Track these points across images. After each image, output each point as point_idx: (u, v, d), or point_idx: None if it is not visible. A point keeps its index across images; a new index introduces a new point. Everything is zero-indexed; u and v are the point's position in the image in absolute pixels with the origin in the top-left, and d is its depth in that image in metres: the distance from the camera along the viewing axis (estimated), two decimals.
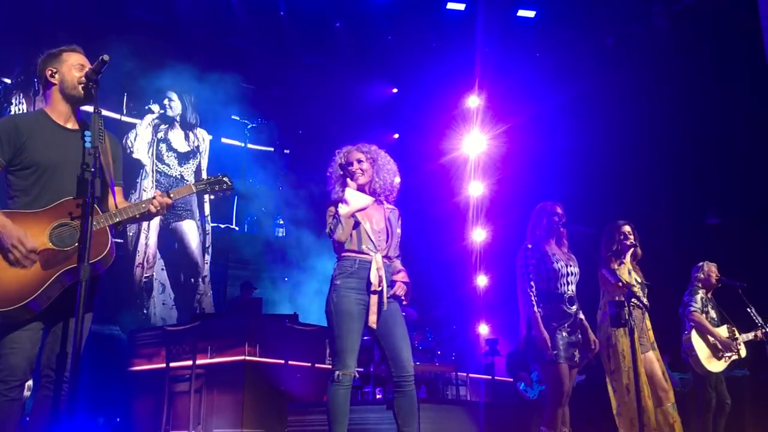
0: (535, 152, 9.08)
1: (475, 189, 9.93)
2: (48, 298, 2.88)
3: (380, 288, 3.82)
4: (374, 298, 3.80)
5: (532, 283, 4.57)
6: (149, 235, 10.05)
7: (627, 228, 5.06)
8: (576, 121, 8.91)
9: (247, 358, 6.27)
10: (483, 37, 9.42)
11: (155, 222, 10.06)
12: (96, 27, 8.83)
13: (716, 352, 6.02)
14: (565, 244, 4.80)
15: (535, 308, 4.51)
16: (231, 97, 10.61)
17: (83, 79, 3.04)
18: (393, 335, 3.85)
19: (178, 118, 10.69)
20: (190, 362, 6.40)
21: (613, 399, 4.83)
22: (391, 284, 3.93)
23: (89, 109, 3.00)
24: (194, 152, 10.73)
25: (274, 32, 10.35)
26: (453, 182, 9.79)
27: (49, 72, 3.11)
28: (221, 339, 6.50)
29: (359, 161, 4.01)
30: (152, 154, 10.36)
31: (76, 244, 2.89)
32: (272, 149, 11.17)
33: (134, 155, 10.14)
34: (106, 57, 2.91)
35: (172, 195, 3.11)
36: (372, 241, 3.90)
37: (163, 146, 10.51)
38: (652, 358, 4.93)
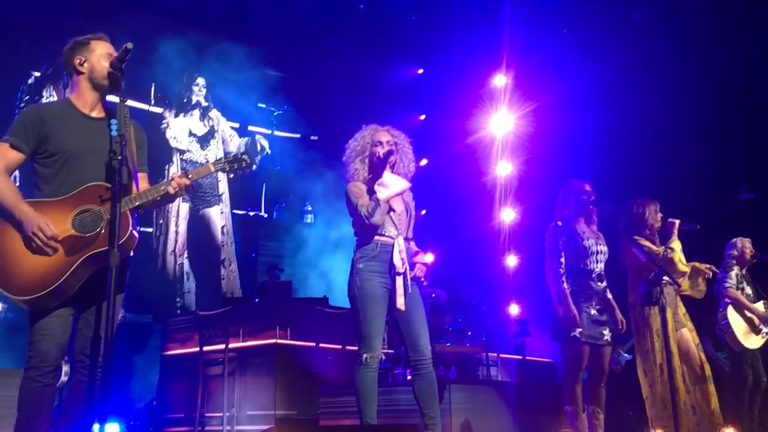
0: (564, 131, 8.96)
1: (503, 169, 9.84)
2: (73, 284, 2.91)
3: (404, 270, 3.82)
4: (399, 281, 3.81)
5: (561, 260, 4.54)
6: (179, 222, 10.15)
7: (654, 206, 4.98)
8: (605, 98, 8.77)
9: (279, 341, 6.33)
10: (509, 14, 9.28)
11: (184, 209, 10.16)
12: (118, 14, 8.89)
13: (753, 328, 5.93)
14: (594, 221, 4.76)
15: (565, 285, 4.49)
16: (255, 84, 10.64)
17: (110, 67, 3.05)
18: (412, 318, 3.87)
19: (199, 103, 10.74)
20: (222, 346, 6.48)
21: (644, 381, 4.77)
22: (411, 266, 3.93)
23: (115, 98, 3.04)
24: (212, 132, 10.77)
25: (297, 15, 10.32)
26: (480, 162, 9.72)
27: (78, 60, 3.13)
28: (253, 323, 6.57)
29: (389, 143, 3.97)
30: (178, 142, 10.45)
31: (98, 230, 2.91)
32: (299, 135, 11.19)
33: (173, 144, 10.25)
34: (129, 45, 2.93)
35: (190, 176, 3.12)
36: (393, 223, 3.90)
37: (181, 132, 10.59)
38: (688, 336, 4.87)
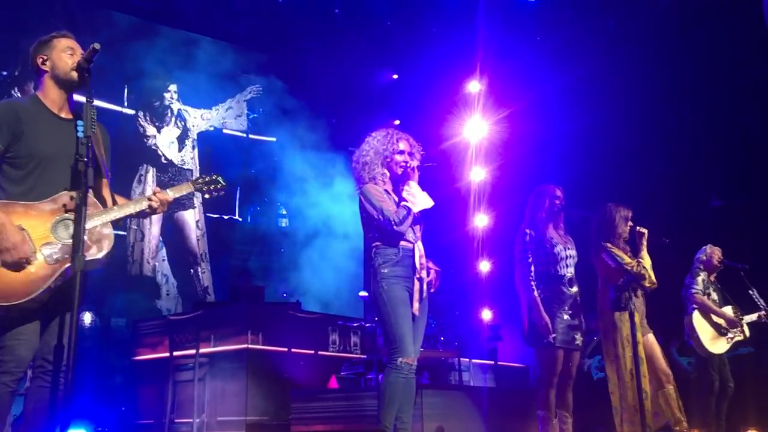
0: (537, 137, 9.02)
1: (477, 174, 9.89)
2: (52, 290, 2.87)
3: (421, 275, 3.89)
4: (417, 286, 3.86)
5: (532, 268, 4.56)
6: (151, 226, 10.06)
7: (625, 213, 5.02)
8: (578, 104, 8.85)
9: (250, 346, 6.29)
10: (484, 21, 9.33)
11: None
12: (90, 17, 8.80)
13: (720, 333, 6.00)
14: (561, 227, 4.80)
15: (535, 292, 4.51)
16: (231, 86, 10.57)
17: (75, 64, 3.02)
18: (418, 323, 3.91)
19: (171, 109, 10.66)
20: (193, 351, 6.41)
21: (615, 386, 4.80)
22: (427, 271, 3.98)
23: (82, 98, 3.00)
24: (185, 132, 10.68)
25: (273, 19, 10.29)
26: (454, 168, 9.75)
27: (41, 59, 3.09)
28: (224, 327, 6.51)
29: (412, 149, 4.07)
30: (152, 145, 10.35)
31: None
32: (274, 139, 11.14)
33: (160, 150, 10.18)
34: (97, 45, 2.89)
35: (171, 193, 3.13)
36: (412, 229, 3.93)
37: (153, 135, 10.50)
38: (653, 341, 4.93)
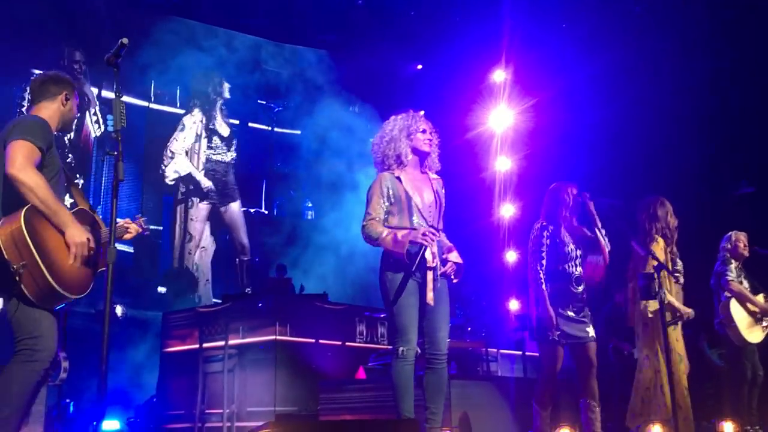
0: (563, 126, 8.94)
1: (503, 164, 9.83)
2: None
3: (434, 264, 3.82)
4: (430, 275, 3.79)
5: (543, 262, 4.57)
6: (196, 221, 10.25)
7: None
8: (604, 92, 8.75)
9: (278, 337, 6.33)
10: (509, 8, 9.26)
11: (205, 204, 10.29)
12: (115, 17, 8.94)
13: (756, 321, 5.90)
14: (576, 224, 4.79)
15: (543, 286, 4.51)
16: (256, 80, 10.63)
17: (74, 118, 3.43)
18: (436, 312, 3.85)
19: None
20: (222, 342, 6.48)
21: (647, 374, 4.77)
22: (443, 262, 3.91)
23: (111, 94, 3.13)
24: (233, 132, 10.88)
25: (296, 12, 10.31)
26: (479, 158, 9.71)
27: (65, 95, 3.34)
28: (252, 319, 6.57)
29: (432, 132, 4.07)
30: (200, 142, 10.53)
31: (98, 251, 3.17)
32: (299, 132, 11.18)
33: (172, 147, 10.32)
34: (125, 40, 2.97)
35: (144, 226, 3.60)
36: (423, 216, 3.89)
37: (205, 132, 10.69)
38: (678, 333, 4.89)
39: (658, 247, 4.86)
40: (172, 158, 10.34)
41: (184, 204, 10.28)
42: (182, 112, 10.38)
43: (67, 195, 3.45)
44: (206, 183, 10.52)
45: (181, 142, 10.43)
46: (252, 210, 11.01)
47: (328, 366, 6.56)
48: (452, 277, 3.96)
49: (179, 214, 10.16)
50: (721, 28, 8.09)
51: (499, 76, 9.81)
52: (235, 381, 6.37)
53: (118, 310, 7.87)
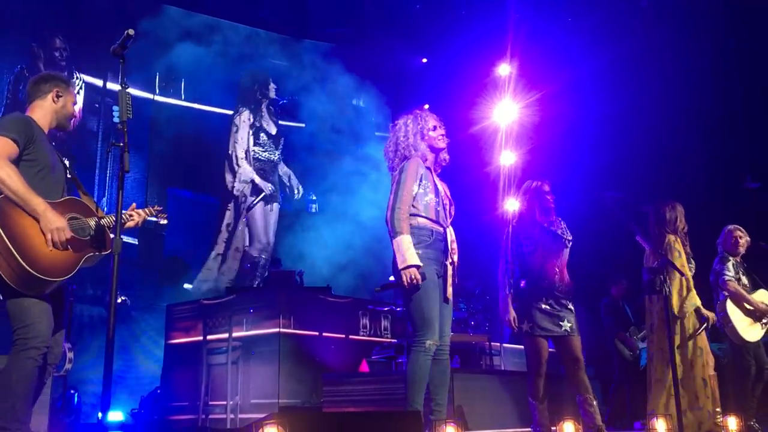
0: (569, 120, 8.92)
1: (507, 158, 9.81)
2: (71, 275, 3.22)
3: (454, 260, 3.91)
4: (450, 270, 3.88)
5: (509, 263, 4.58)
6: (253, 215, 10.37)
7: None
8: (610, 87, 8.72)
9: (282, 330, 6.35)
10: (514, 2, 9.23)
11: (260, 204, 10.51)
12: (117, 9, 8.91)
13: (755, 320, 5.88)
14: (555, 218, 4.77)
15: (507, 290, 4.52)
16: (262, 74, 10.62)
17: (72, 116, 3.45)
18: (447, 307, 3.93)
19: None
20: (226, 335, 6.50)
21: (659, 367, 4.78)
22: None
23: (116, 87, 3.14)
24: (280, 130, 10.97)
25: (301, 5, 10.29)
26: (484, 152, 9.69)
27: (56, 92, 3.39)
28: (256, 311, 6.58)
29: (440, 125, 4.11)
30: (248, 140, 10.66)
31: (87, 237, 3.24)
32: (303, 125, 11.17)
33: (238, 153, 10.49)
34: (131, 31, 2.98)
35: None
36: (446, 212, 3.96)
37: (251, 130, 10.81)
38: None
39: (678, 244, 4.87)
40: (238, 165, 10.48)
41: (238, 204, 10.49)
42: (186, 104, 10.31)
43: (67, 189, 3.47)
44: (268, 187, 10.69)
45: (241, 143, 10.59)
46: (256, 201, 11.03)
47: (331, 359, 6.58)
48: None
49: (235, 210, 10.31)
50: (729, 21, 8.05)
51: (504, 69, 9.77)
52: (239, 373, 6.39)
53: (120, 300, 7.90)
